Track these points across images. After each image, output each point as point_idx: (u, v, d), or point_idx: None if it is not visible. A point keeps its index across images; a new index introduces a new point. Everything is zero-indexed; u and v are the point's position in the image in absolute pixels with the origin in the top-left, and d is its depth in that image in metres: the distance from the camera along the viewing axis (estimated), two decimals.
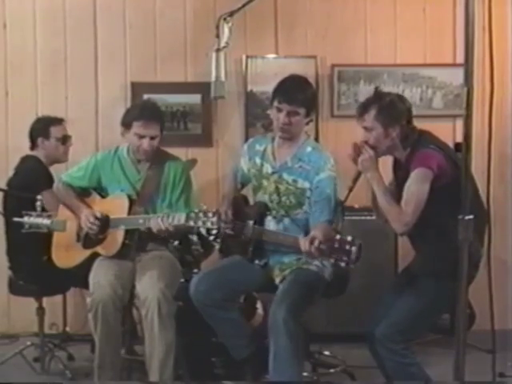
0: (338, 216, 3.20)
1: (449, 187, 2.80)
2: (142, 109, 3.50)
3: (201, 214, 3.11)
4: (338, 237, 2.77)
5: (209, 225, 3.09)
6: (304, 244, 2.91)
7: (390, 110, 2.95)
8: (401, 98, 3.08)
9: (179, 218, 3.21)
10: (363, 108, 3.00)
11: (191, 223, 3.14)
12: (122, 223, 3.42)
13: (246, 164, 3.46)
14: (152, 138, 3.42)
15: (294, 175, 3.24)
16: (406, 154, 2.98)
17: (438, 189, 2.83)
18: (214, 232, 3.18)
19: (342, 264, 2.75)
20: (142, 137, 3.40)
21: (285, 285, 3.13)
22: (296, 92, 3.18)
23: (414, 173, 2.86)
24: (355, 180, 3.01)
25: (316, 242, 2.84)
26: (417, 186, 2.84)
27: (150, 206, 3.49)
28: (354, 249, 2.72)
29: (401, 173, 3.00)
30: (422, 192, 2.83)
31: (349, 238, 2.74)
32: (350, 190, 3.01)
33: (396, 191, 2.99)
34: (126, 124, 3.45)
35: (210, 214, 3.10)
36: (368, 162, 2.96)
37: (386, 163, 3.10)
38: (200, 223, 3.11)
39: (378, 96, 3.03)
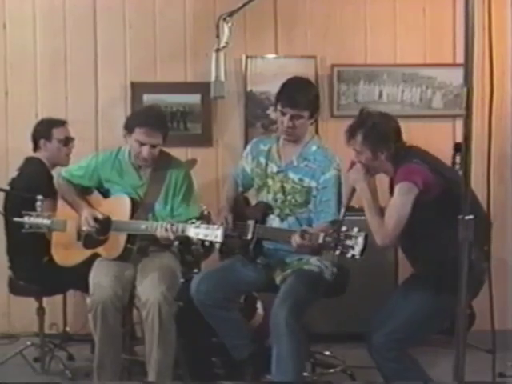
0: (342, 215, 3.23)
1: (439, 198, 2.82)
2: (146, 116, 3.44)
3: (204, 226, 3.10)
4: (343, 229, 2.79)
5: (213, 238, 3.08)
6: (294, 238, 2.94)
7: (375, 134, 2.94)
8: (386, 117, 3.05)
9: (183, 229, 3.18)
10: (350, 133, 3.00)
11: (195, 235, 3.13)
12: (125, 227, 3.40)
13: (249, 164, 3.47)
14: (153, 147, 3.37)
15: (300, 174, 3.25)
16: (393, 171, 2.99)
17: (429, 202, 2.83)
18: (218, 245, 3.17)
19: (348, 256, 2.76)
20: (142, 144, 3.36)
21: (286, 286, 3.14)
22: (299, 95, 3.19)
23: (396, 187, 2.87)
24: (350, 197, 3.03)
25: (307, 236, 2.89)
26: (399, 199, 2.85)
27: (151, 213, 3.47)
28: (360, 240, 2.74)
29: (392, 190, 3.00)
30: (404, 205, 2.82)
31: (355, 230, 2.77)
32: (346, 207, 3.00)
33: None
34: (129, 128, 3.39)
35: (215, 227, 3.09)
36: (356, 174, 2.99)
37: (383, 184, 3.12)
38: (203, 236, 3.10)
39: (363, 120, 3.00)
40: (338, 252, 2.80)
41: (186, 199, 3.49)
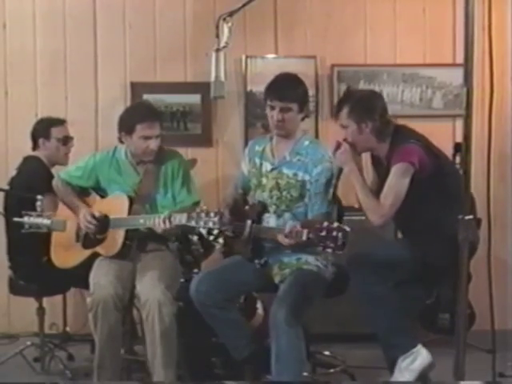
0: (333, 207, 3.27)
1: (432, 176, 2.95)
2: (143, 111, 3.50)
3: (202, 214, 3.11)
4: (324, 224, 2.82)
5: (210, 225, 3.10)
6: (280, 236, 3.00)
7: (360, 106, 3.06)
8: (373, 93, 3.25)
9: (180, 218, 3.20)
10: (337, 107, 3.15)
11: (193, 223, 3.14)
12: (123, 224, 3.41)
13: (247, 166, 3.49)
14: (157, 137, 3.43)
15: (293, 169, 3.27)
16: (385, 150, 3.07)
17: (422, 179, 2.94)
18: (216, 232, 3.18)
19: (329, 250, 2.80)
20: (147, 138, 3.40)
21: (285, 285, 3.13)
22: (286, 89, 3.23)
23: (394, 167, 2.96)
24: (338, 176, 3.12)
25: (290, 234, 2.94)
26: (396, 179, 2.94)
27: (150, 203, 3.49)
28: (340, 234, 2.77)
29: (382, 169, 3.07)
30: (402, 186, 2.93)
31: (335, 225, 2.81)
32: (335, 186, 3.11)
33: (379, 187, 3.07)
34: (128, 129, 3.42)
35: (212, 214, 3.10)
36: (344, 155, 3.08)
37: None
38: (202, 223, 3.12)
39: (349, 94, 3.20)
40: (320, 248, 2.83)
41: (185, 185, 3.53)
